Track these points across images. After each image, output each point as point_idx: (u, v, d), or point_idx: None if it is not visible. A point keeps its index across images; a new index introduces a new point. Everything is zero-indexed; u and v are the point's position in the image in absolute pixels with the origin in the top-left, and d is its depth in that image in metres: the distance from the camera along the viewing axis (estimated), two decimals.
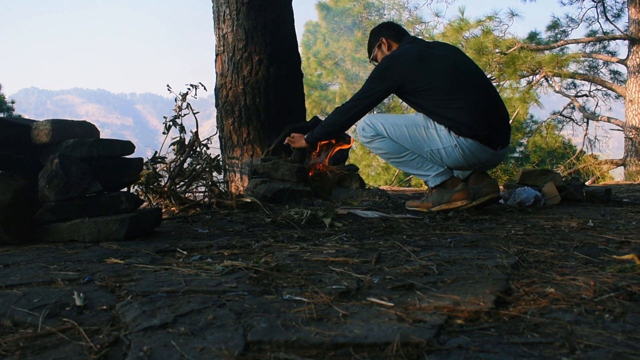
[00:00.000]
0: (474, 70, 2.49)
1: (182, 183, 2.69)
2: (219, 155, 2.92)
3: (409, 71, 2.35)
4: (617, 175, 10.62)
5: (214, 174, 2.80)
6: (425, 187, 3.04)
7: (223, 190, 2.87)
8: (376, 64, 2.61)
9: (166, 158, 2.69)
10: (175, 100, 2.72)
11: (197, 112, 2.75)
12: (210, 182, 2.82)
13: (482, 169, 2.51)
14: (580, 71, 12.01)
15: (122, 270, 1.22)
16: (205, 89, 2.90)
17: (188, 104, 2.73)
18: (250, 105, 3.55)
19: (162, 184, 2.60)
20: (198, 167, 2.70)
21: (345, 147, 3.17)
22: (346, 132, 2.93)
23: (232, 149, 3.63)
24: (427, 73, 2.33)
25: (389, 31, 2.62)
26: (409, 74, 2.34)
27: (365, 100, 2.44)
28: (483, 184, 2.46)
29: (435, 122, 2.35)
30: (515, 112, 11.08)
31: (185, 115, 2.73)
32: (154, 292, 0.99)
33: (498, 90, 11.22)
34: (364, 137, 2.49)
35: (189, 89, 2.76)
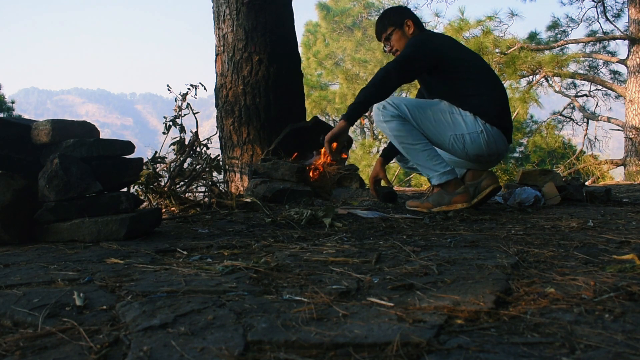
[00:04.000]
0: (492, 68, 2.64)
1: (182, 183, 2.69)
2: (219, 155, 2.91)
3: (446, 51, 2.40)
4: (617, 175, 10.62)
5: (214, 174, 2.80)
6: (424, 188, 3.03)
7: (223, 190, 2.87)
8: (389, 43, 2.59)
9: (166, 158, 2.68)
10: (175, 100, 2.72)
11: (197, 112, 2.76)
12: (210, 182, 2.82)
13: (491, 164, 2.54)
14: (580, 71, 12.02)
15: (122, 270, 1.22)
16: (205, 89, 2.90)
17: (188, 104, 2.73)
18: (250, 105, 3.55)
19: (162, 184, 2.60)
20: (198, 167, 2.70)
21: (343, 156, 3.17)
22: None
23: (232, 149, 3.63)
24: (461, 57, 2.41)
25: (414, 17, 2.62)
26: (447, 53, 2.39)
27: (405, 65, 2.34)
28: (481, 178, 2.49)
29: (460, 109, 2.37)
30: (515, 112, 11.08)
31: (185, 115, 2.73)
32: (154, 292, 0.99)
33: None
34: (383, 115, 2.37)
35: (189, 89, 2.76)
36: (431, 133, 2.40)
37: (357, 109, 2.35)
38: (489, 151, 2.40)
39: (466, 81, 2.38)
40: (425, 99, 2.49)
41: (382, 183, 2.89)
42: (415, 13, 2.69)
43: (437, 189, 2.43)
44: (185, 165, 2.71)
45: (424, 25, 2.67)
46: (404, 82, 2.45)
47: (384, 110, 2.36)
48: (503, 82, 10.93)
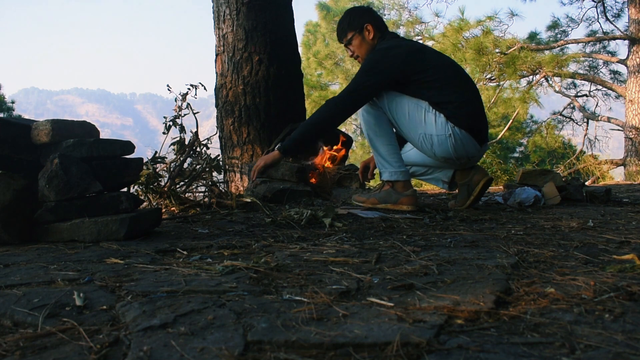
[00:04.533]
0: (461, 67, 2.55)
1: (182, 183, 2.69)
2: (218, 155, 2.91)
3: (407, 62, 2.31)
4: (617, 175, 10.62)
5: (214, 174, 2.80)
6: (424, 188, 3.04)
7: (223, 191, 2.87)
8: (350, 48, 2.51)
9: (166, 158, 2.68)
10: (175, 100, 2.72)
11: (197, 112, 2.75)
12: (210, 182, 2.82)
13: (464, 165, 2.52)
14: (580, 71, 12.03)
15: (122, 270, 1.22)
16: (205, 89, 2.89)
17: (188, 104, 2.72)
18: (250, 105, 3.55)
19: (162, 184, 2.60)
20: (198, 167, 2.70)
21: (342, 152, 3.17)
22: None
23: (232, 149, 3.63)
24: (426, 64, 2.33)
25: (374, 18, 2.49)
26: (408, 65, 2.31)
27: (359, 94, 2.30)
28: (471, 174, 2.51)
29: (436, 110, 2.34)
30: (515, 112, 11.09)
31: (185, 115, 2.73)
32: (154, 292, 0.99)
33: (498, 90, 11.26)
34: None
35: (189, 89, 2.76)
36: (404, 127, 2.39)
37: (296, 145, 2.33)
38: (456, 155, 2.37)
39: (433, 90, 2.31)
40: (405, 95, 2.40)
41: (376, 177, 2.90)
42: (378, 13, 2.56)
43: (387, 186, 2.44)
44: (185, 165, 2.72)
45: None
46: (360, 107, 2.38)
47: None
48: (503, 82, 10.97)
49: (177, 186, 2.67)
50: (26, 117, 10.19)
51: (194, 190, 2.81)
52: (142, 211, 1.85)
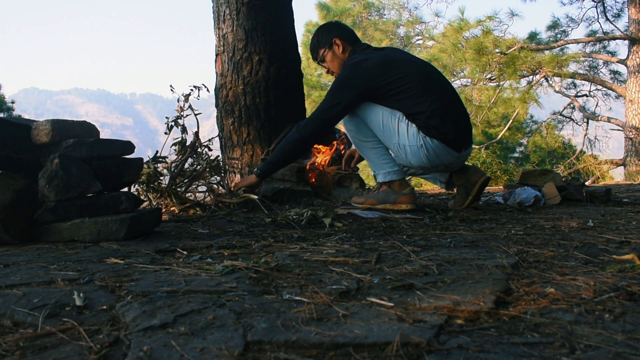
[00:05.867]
0: (435, 71, 2.49)
1: (181, 184, 2.69)
2: (218, 156, 2.90)
3: (376, 75, 2.29)
4: (617, 175, 10.63)
5: (215, 174, 2.80)
6: (423, 188, 3.04)
7: (223, 191, 2.86)
8: (325, 65, 2.55)
9: (167, 158, 2.68)
10: (178, 101, 2.72)
11: (199, 113, 2.75)
12: (209, 182, 2.82)
13: (445, 170, 2.52)
14: (580, 71, 12.03)
15: (122, 270, 1.22)
16: (208, 90, 2.89)
17: (190, 105, 2.72)
18: (250, 105, 3.55)
19: (163, 184, 2.60)
20: (199, 167, 2.69)
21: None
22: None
23: (232, 149, 3.63)
24: (395, 76, 2.30)
25: (342, 32, 2.52)
26: (377, 79, 2.29)
27: (331, 111, 2.32)
28: (468, 174, 2.50)
29: (409, 121, 2.32)
30: (516, 112, 11.08)
31: (187, 116, 2.73)
32: (154, 292, 0.99)
33: (498, 90, 11.26)
34: None
35: (191, 90, 2.76)
36: (380, 136, 2.40)
37: (272, 168, 2.45)
38: (431, 164, 2.37)
39: (404, 101, 2.29)
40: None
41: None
42: (345, 26, 2.59)
43: (384, 187, 2.45)
44: (186, 165, 2.71)
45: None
46: (334, 125, 2.43)
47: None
48: (503, 82, 10.97)
49: (177, 186, 2.67)
50: (26, 117, 10.20)
51: (195, 190, 2.81)
52: (142, 211, 1.85)
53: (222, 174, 2.76)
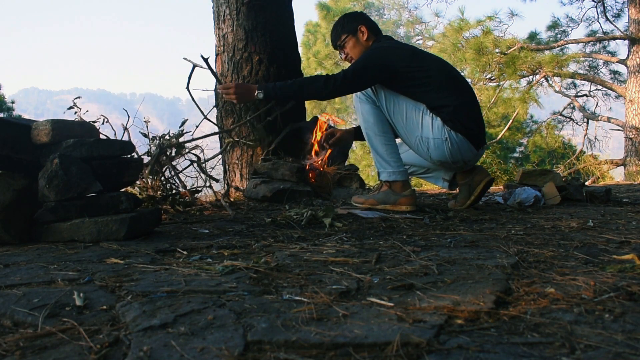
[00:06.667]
0: (457, 71, 2.56)
1: (174, 179, 2.66)
2: (182, 132, 2.81)
3: (401, 59, 2.32)
4: (617, 175, 10.62)
5: (214, 177, 2.80)
6: (422, 188, 3.03)
7: (223, 191, 2.87)
8: (344, 51, 2.54)
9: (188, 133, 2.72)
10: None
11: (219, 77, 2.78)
12: (209, 181, 2.82)
13: (459, 168, 2.51)
14: (580, 71, 12.02)
15: (122, 270, 1.22)
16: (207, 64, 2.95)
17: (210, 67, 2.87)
18: (250, 105, 3.55)
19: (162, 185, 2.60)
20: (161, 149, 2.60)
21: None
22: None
23: (232, 149, 3.63)
24: (419, 66, 2.33)
25: (368, 22, 2.55)
26: (401, 62, 2.32)
27: (356, 81, 2.30)
28: (473, 174, 2.51)
29: (433, 114, 2.34)
30: (516, 112, 11.08)
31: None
32: (154, 292, 0.99)
33: (498, 90, 11.26)
34: (362, 94, 2.40)
35: (203, 58, 2.91)
36: (401, 128, 2.40)
37: (276, 96, 2.32)
38: (452, 159, 2.38)
39: (430, 93, 2.32)
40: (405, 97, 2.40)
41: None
42: (370, 18, 2.63)
43: (385, 187, 2.44)
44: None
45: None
46: (347, 93, 2.41)
47: (364, 91, 2.38)
48: (503, 82, 10.96)
49: (175, 187, 2.66)
50: (26, 117, 10.19)
51: (195, 189, 2.81)
52: (142, 211, 1.85)
53: (183, 154, 2.70)
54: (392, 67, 2.32)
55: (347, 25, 2.53)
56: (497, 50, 10.51)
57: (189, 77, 2.94)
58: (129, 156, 2.02)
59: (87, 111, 2.62)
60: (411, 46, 2.48)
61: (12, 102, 13.73)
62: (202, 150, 2.79)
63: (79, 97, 2.61)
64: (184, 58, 2.96)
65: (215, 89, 3.78)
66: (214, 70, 2.92)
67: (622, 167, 10.32)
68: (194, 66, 2.94)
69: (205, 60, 2.91)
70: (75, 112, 2.49)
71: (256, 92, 2.32)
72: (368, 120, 2.40)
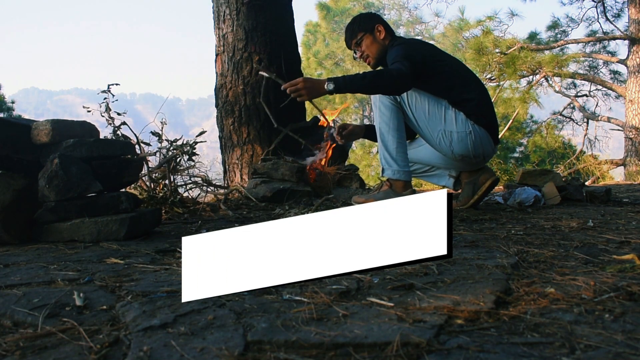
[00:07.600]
0: (472, 71, 2.61)
1: (179, 182, 2.68)
2: (191, 141, 2.81)
3: (428, 51, 2.40)
4: (617, 175, 10.62)
5: (214, 175, 2.80)
6: (423, 188, 3.03)
7: (223, 191, 2.86)
8: (359, 49, 2.51)
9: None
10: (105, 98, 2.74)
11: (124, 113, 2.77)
12: (207, 182, 2.82)
13: (478, 165, 2.52)
14: (580, 71, 12.01)
15: (122, 270, 1.22)
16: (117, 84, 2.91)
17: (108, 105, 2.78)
18: (250, 105, 3.55)
19: (162, 186, 2.60)
20: (169, 154, 2.62)
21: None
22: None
23: (232, 149, 3.63)
24: (440, 62, 2.40)
25: (385, 23, 2.58)
26: (428, 54, 2.38)
27: (413, 76, 2.20)
28: (478, 173, 2.53)
29: (455, 109, 2.36)
30: (516, 112, 11.08)
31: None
32: (154, 292, 0.99)
33: (498, 90, 11.26)
34: None
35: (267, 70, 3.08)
36: (422, 123, 2.40)
37: (349, 85, 2.15)
38: (474, 152, 2.39)
39: (454, 88, 2.36)
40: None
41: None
42: (386, 20, 2.65)
43: (386, 186, 2.44)
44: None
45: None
46: (410, 88, 2.31)
47: None
48: (503, 82, 10.96)
49: (173, 185, 2.67)
50: (26, 117, 10.20)
51: (194, 189, 2.81)
52: (142, 211, 1.85)
53: (193, 157, 2.70)
54: (428, 60, 2.37)
55: (364, 24, 2.54)
56: (497, 50, 10.51)
57: (264, 88, 3.19)
58: (129, 156, 2.02)
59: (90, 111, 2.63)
60: (430, 44, 2.57)
61: (12, 102, 13.72)
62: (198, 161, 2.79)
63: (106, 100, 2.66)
64: (260, 72, 3.20)
65: (216, 89, 3.78)
66: (272, 76, 3.19)
67: (622, 167, 10.31)
68: (266, 78, 3.20)
69: (269, 69, 3.16)
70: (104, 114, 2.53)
71: (326, 84, 2.17)
72: (384, 114, 2.37)
